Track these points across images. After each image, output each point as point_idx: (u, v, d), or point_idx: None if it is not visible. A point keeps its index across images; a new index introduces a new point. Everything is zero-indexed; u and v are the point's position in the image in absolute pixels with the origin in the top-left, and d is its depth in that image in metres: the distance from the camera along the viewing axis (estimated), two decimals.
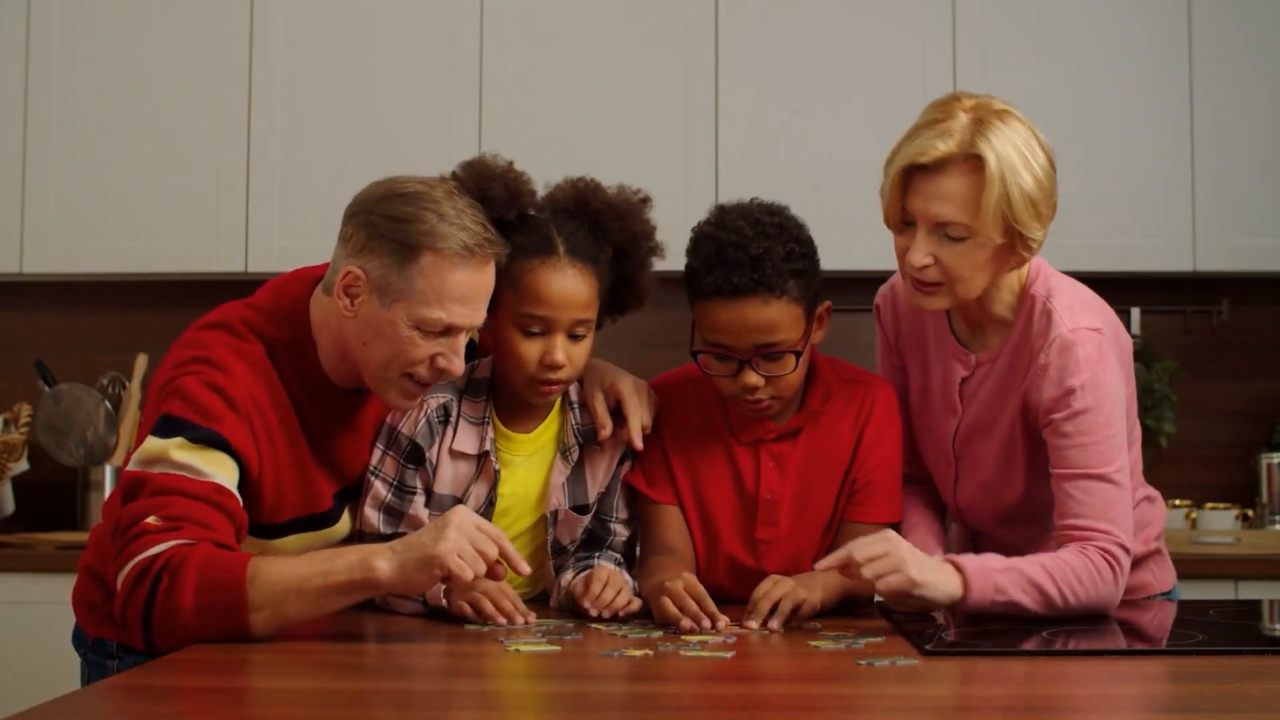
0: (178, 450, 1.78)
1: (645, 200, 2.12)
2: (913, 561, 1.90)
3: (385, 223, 1.86)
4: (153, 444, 1.80)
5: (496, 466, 2.09)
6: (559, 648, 1.74)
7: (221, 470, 1.80)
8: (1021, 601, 1.94)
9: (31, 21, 3.61)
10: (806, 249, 2.06)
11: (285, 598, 1.71)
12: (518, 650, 1.72)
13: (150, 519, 1.73)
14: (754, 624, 1.89)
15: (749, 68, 3.56)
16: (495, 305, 2.01)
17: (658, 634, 1.84)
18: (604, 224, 2.07)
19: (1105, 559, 1.97)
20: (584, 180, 2.11)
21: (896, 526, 2.12)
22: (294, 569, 1.73)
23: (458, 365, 1.91)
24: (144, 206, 3.58)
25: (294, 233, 3.49)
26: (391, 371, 1.90)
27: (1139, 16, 3.55)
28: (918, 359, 2.23)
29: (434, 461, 2.07)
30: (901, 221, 2.02)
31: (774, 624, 1.89)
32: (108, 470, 3.65)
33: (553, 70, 3.57)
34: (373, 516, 2.05)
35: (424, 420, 2.07)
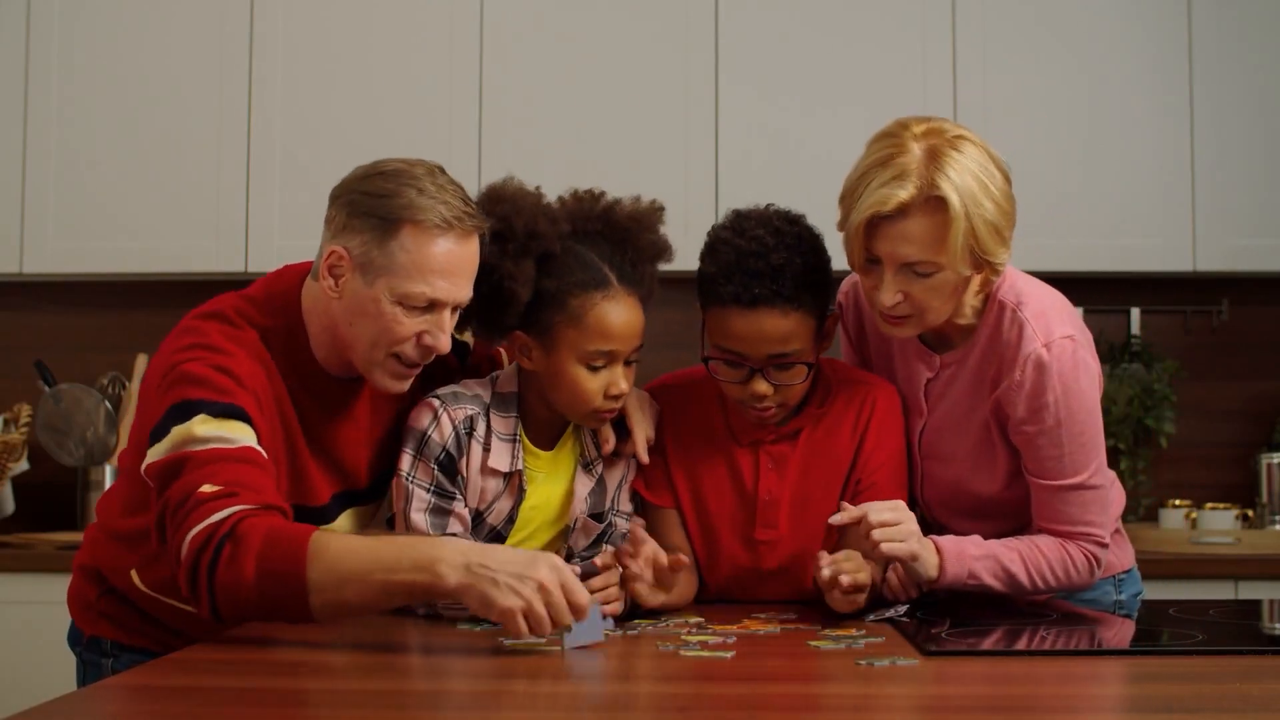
0: (201, 425, 1.75)
1: (661, 209, 2.11)
2: (916, 535, 1.97)
3: (365, 199, 1.86)
4: (176, 431, 1.76)
5: (525, 486, 2.09)
6: (559, 648, 1.74)
7: (246, 437, 1.78)
8: (992, 585, 2.04)
9: (31, 21, 3.61)
10: (822, 261, 2.07)
11: (345, 584, 1.65)
12: (518, 650, 1.72)
13: (205, 487, 1.69)
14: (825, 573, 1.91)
15: (749, 68, 3.56)
16: (551, 340, 2.01)
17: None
18: (635, 240, 2.06)
19: (1086, 556, 2.07)
20: (592, 194, 2.09)
21: None
22: (358, 558, 1.66)
23: (444, 342, 1.90)
24: (144, 206, 3.58)
25: (294, 233, 3.49)
26: (378, 352, 1.89)
27: (1139, 16, 3.55)
28: (883, 359, 2.25)
29: (464, 474, 2.07)
30: (866, 260, 2.02)
31: (845, 580, 1.90)
32: (108, 470, 3.65)
33: (552, 70, 3.57)
34: (420, 520, 2.03)
35: (453, 430, 2.05)
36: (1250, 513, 3.51)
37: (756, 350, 2.03)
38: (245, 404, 1.80)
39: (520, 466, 2.08)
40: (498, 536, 2.09)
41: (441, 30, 3.58)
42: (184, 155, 3.58)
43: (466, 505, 2.07)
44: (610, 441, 2.12)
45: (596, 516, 2.14)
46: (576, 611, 1.66)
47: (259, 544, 1.65)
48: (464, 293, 1.90)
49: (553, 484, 2.13)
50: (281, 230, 3.54)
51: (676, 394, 2.22)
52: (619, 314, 2.01)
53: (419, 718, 1.39)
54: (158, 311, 3.76)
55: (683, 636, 1.82)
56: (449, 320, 1.90)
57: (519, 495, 2.09)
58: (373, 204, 1.86)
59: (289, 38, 3.59)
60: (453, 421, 2.04)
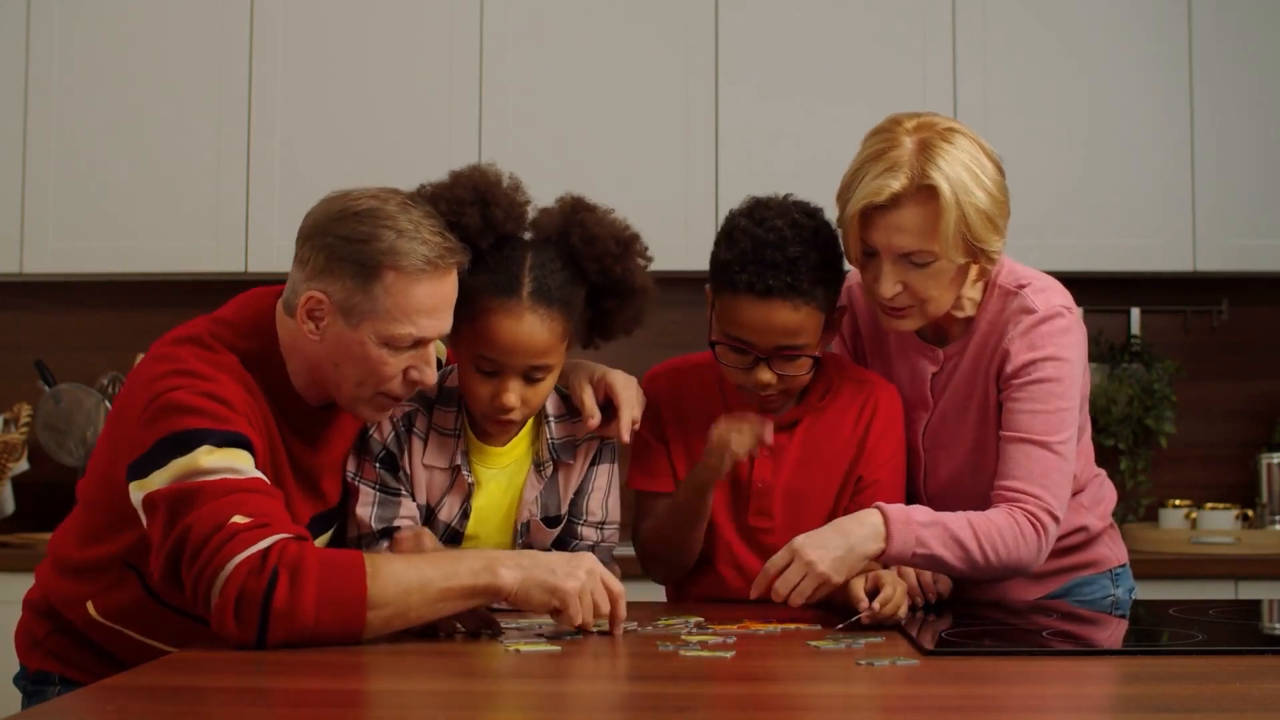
0: (207, 457, 1.72)
1: (632, 240, 2.05)
2: (823, 560, 1.91)
3: (343, 244, 1.84)
4: (177, 464, 1.72)
5: (470, 480, 2.07)
6: (559, 648, 1.74)
7: (250, 467, 1.75)
8: (943, 556, 1.98)
9: (31, 21, 3.61)
10: (836, 255, 2.08)
11: (407, 596, 1.68)
12: (518, 650, 1.72)
13: (237, 518, 1.67)
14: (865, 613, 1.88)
15: (749, 68, 3.56)
16: (455, 331, 1.98)
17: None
18: (580, 263, 2.02)
19: (1030, 521, 2.01)
20: (575, 207, 2.05)
21: None
22: (416, 568, 1.70)
23: (430, 375, 1.90)
24: (144, 206, 3.58)
25: (294, 233, 3.47)
26: (365, 390, 1.88)
27: (1139, 16, 3.55)
28: (879, 359, 2.26)
29: (408, 470, 2.06)
30: (864, 254, 2.05)
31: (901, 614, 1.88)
32: None
33: (552, 70, 3.57)
34: (364, 514, 2.04)
35: (391, 429, 2.05)
36: (1250, 513, 3.51)
37: (765, 340, 2.04)
38: (244, 429, 1.78)
39: (459, 462, 2.07)
40: (453, 534, 2.08)
41: (441, 30, 3.58)
42: (184, 155, 3.58)
43: (416, 500, 2.07)
44: (596, 417, 2.08)
45: (551, 522, 2.12)
46: (615, 599, 1.79)
47: (316, 572, 1.65)
48: (447, 325, 1.90)
49: (504, 481, 2.10)
50: (281, 230, 3.54)
51: (675, 380, 2.22)
52: (511, 328, 1.96)
53: (419, 717, 1.39)
54: (158, 311, 3.76)
55: (683, 636, 1.82)
56: (433, 353, 1.91)
57: (468, 491, 2.07)
58: (351, 249, 1.83)
59: (289, 38, 3.60)
60: (391, 420, 2.05)
